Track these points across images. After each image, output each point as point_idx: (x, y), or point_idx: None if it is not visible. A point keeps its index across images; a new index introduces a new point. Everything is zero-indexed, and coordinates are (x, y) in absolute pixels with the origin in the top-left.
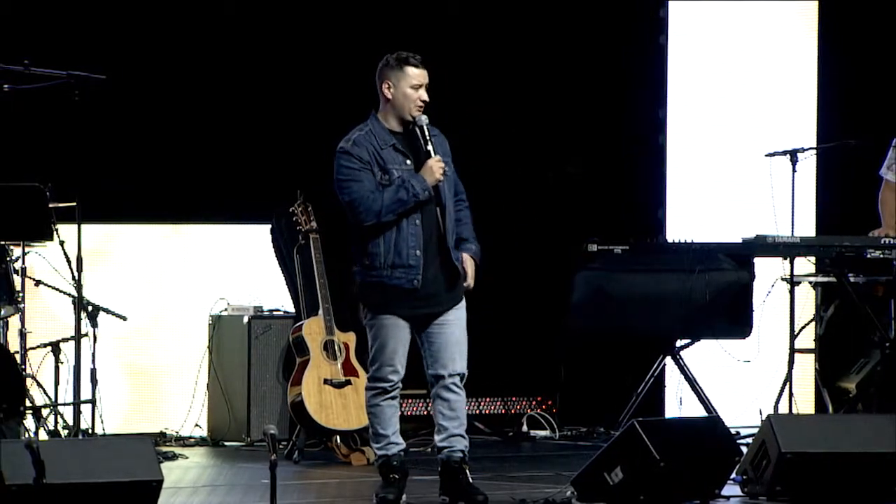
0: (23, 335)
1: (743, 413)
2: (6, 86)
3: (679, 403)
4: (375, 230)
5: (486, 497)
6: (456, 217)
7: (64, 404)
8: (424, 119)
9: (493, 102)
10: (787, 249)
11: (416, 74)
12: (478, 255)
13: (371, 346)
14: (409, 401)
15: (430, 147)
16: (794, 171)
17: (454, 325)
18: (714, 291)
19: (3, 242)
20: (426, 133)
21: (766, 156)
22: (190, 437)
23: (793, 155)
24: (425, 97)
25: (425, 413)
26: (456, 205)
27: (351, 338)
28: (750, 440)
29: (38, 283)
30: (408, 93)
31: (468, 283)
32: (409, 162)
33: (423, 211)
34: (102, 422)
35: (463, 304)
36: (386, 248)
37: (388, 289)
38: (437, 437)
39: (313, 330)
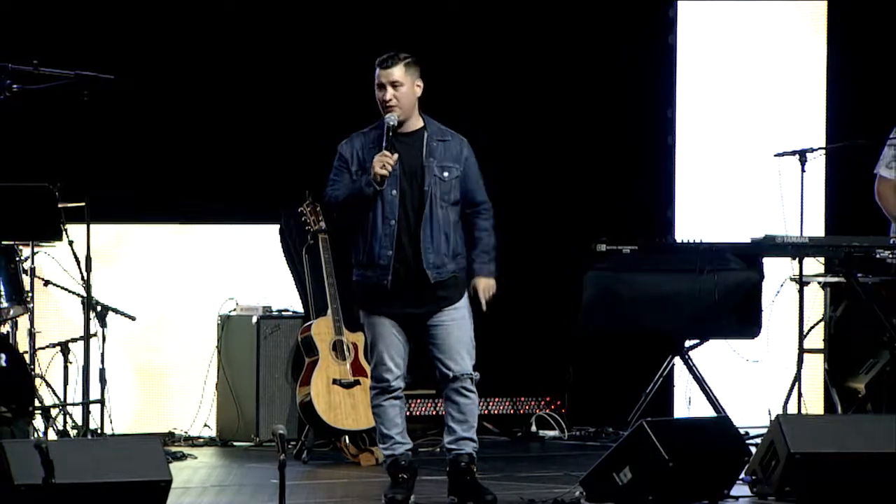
0: (32, 335)
1: (752, 413)
2: (15, 86)
3: (688, 403)
4: (358, 229)
5: (494, 497)
6: (472, 233)
7: (73, 404)
8: (389, 119)
9: (499, 102)
10: (796, 249)
11: (377, 74)
12: (491, 273)
13: (369, 346)
14: (418, 401)
15: (384, 144)
16: (803, 171)
17: (452, 326)
18: (723, 291)
19: (12, 243)
20: (388, 132)
21: (776, 156)
22: (199, 437)
23: (802, 155)
24: (385, 97)
25: (433, 413)
26: (472, 217)
27: (360, 338)
28: (759, 440)
29: (47, 283)
30: (376, 92)
31: (483, 304)
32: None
33: (403, 212)
34: (111, 422)
35: (460, 304)
36: (363, 247)
37: (364, 287)
38: (445, 439)
39: (322, 330)
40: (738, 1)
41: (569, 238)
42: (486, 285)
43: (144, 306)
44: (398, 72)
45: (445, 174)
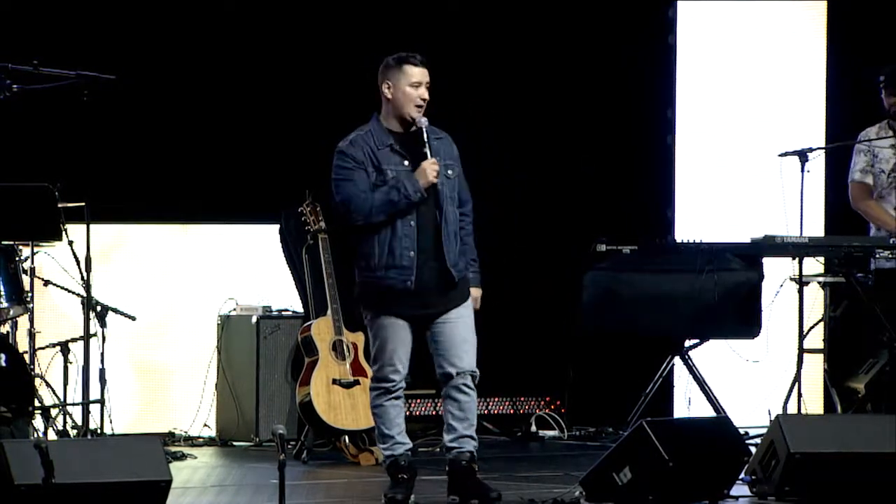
0: (32, 335)
1: (752, 413)
2: (15, 86)
3: (688, 403)
4: (370, 231)
5: (499, 494)
6: (460, 236)
7: (73, 404)
8: (424, 121)
9: (499, 103)
10: (796, 249)
11: (416, 73)
12: (478, 282)
13: (372, 347)
14: (417, 401)
15: (426, 149)
16: (803, 171)
17: (458, 323)
18: (723, 291)
19: (12, 242)
20: (425, 135)
21: (779, 156)
22: (198, 437)
23: (802, 155)
24: (425, 95)
25: (433, 413)
26: (459, 219)
27: (359, 338)
28: (759, 440)
29: (46, 283)
30: (407, 91)
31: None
32: (406, 163)
33: (419, 212)
34: (111, 422)
35: (467, 303)
36: (381, 248)
37: (383, 289)
38: (446, 438)
39: (322, 330)
40: (738, 1)
41: (569, 238)
42: (477, 296)
43: (144, 306)
44: (427, 72)
45: (450, 172)
